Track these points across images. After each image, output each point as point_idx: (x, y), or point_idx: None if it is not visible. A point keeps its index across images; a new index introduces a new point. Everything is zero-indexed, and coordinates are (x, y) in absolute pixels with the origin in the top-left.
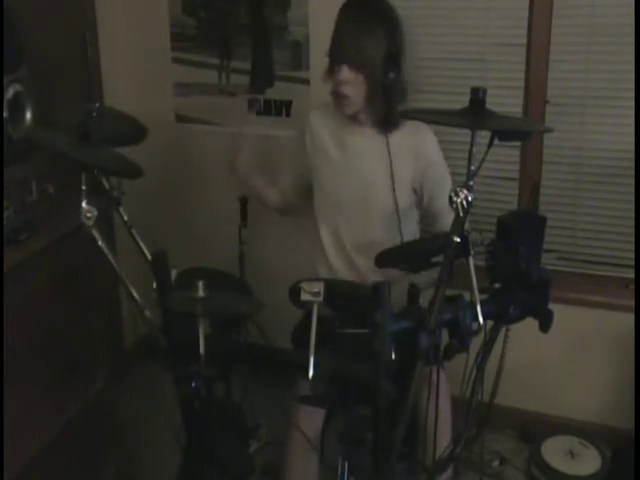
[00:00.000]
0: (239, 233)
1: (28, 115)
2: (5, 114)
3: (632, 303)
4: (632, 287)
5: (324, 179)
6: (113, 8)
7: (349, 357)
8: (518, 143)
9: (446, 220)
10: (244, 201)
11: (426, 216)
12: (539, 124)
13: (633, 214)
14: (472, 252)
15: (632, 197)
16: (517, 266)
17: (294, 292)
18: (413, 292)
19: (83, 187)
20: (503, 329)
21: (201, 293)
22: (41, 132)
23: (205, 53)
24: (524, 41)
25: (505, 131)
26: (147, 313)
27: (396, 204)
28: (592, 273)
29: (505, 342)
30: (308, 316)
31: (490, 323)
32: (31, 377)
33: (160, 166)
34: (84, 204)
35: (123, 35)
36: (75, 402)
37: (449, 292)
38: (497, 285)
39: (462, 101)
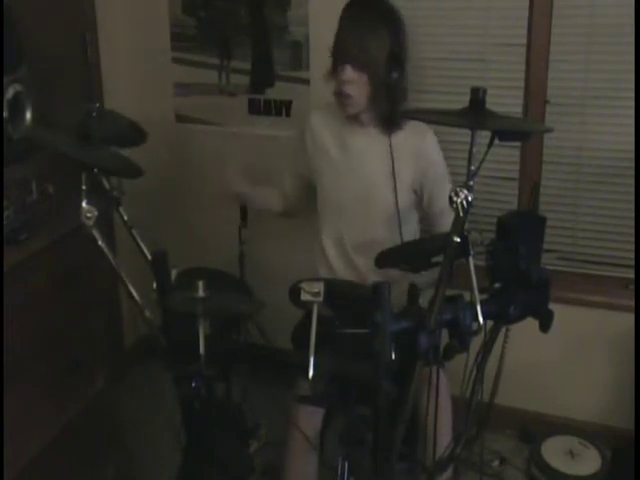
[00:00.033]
0: (239, 233)
1: (28, 115)
2: (5, 114)
3: (632, 303)
4: (632, 287)
5: (325, 180)
6: (113, 8)
7: (349, 357)
8: (518, 143)
9: (446, 222)
10: None
11: (426, 218)
12: (539, 124)
13: (633, 214)
14: (472, 252)
15: (632, 197)
16: (517, 266)
17: (294, 292)
18: (413, 292)
19: (83, 187)
20: (503, 329)
21: (201, 293)
22: (41, 132)
23: (205, 53)
24: (524, 41)
25: (505, 131)
26: (147, 313)
27: (397, 204)
28: (592, 273)
29: (505, 342)
30: (308, 316)
31: (490, 323)
32: (31, 377)
33: (160, 166)
34: (84, 204)
35: (123, 35)
36: (75, 402)
37: (449, 292)
38: (497, 285)
39: (462, 101)
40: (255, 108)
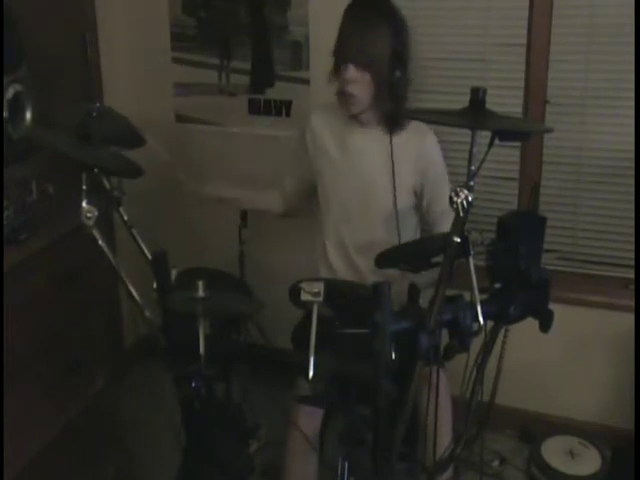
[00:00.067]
0: (239, 233)
1: (28, 115)
2: (5, 114)
3: (632, 303)
4: (632, 287)
5: (326, 180)
6: (113, 8)
7: (349, 357)
8: (518, 143)
9: (445, 223)
10: None
11: (425, 222)
12: (539, 124)
13: (633, 214)
14: (472, 252)
15: (632, 197)
16: (517, 266)
17: (294, 292)
18: (413, 292)
19: (83, 187)
20: (503, 329)
21: (201, 293)
22: (41, 132)
23: (205, 53)
24: (524, 41)
25: (505, 131)
26: (147, 313)
27: (395, 205)
28: (592, 273)
29: (504, 342)
30: (308, 316)
31: (490, 323)
32: (31, 377)
33: (160, 166)
34: (84, 204)
35: (123, 35)
36: (75, 402)
37: (449, 292)
38: (497, 285)
39: (462, 101)
40: (255, 108)
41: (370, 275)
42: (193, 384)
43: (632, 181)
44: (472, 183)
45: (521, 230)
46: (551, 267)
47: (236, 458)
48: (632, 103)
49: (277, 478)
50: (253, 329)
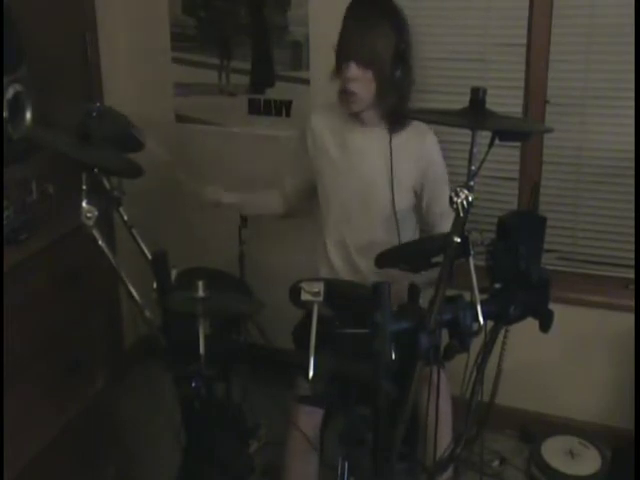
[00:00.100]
0: (239, 233)
1: (28, 115)
2: (5, 114)
3: (632, 303)
4: (632, 287)
5: (326, 179)
6: (113, 8)
7: (349, 357)
8: (518, 143)
9: (445, 224)
10: None
11: (425, 223)
12: (539, 124)
13: (633, 214)
14: (472, 252)
15: (632, 197)
16: (517, 266)
17: (294, 292)
18: (413, 292)
19: (83, 187)
20: (503, 329)
21: (201, 293)
22: (41, 132)
23: (205, 53)
24: (524, 41)
25: (505, 131)
26: (147, 313)
27: (394, 204)
28: (592, 273)
29: (504, 342)
30: (308, 316)
31: (490, 323)
32: (31, 377)
33: (160, 166)
34: (84, 204)
35: (123, 35)
36: (75, 402)
37: (449, 292)
38: (497, 285)
39: (462, 101)
40: (255, 108)
41: (370, 275)
42: (193, 384)
43: (632, 181)
44: (472, 183)
45: (521, 230)
46: (551, 267)
47: (236, 458)
48: (632, 103)
49: (277, 478)
50: (253, 329)
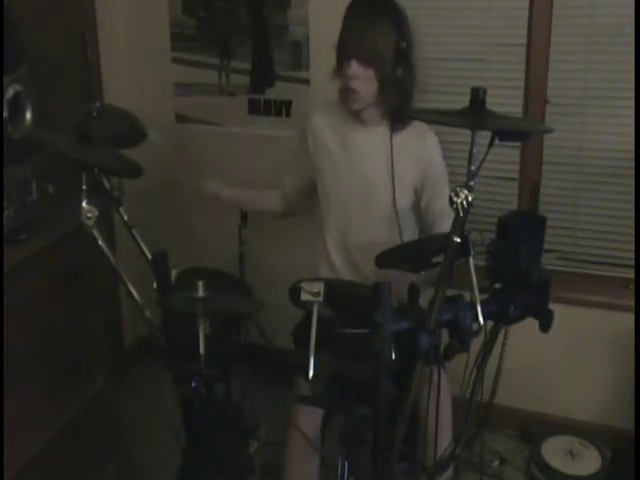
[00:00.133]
0: (239, 233)
1: (28, 115)
2: (5, 114)
3: (632, 303)
4: (632, 287)
5: (326, 178)
6: (113, 8)
7: (349, 357)
8: (518, 143)
9: (445, 223)
10: None
11: (424, 222)
12: (539, 124)
13: (633, 214)
14: (472, 252)
15: (632, 197)
16: (517, 266)
17: (294, 292)
18: (413, 292)
19: (83, 187)
20: (503, 329)
21: (201, 293)
22: (41, 132)
23: (205, 53)
24: (524, 41)
25: (505, 131)
26: (147, 313)
27: (395, 203)
28: (592, 273)
29: (504, 342)
30: (308, 316)
31: (490, 323)
32: (31, 377)
33: (160, 166)
34: (84, 204)
35: (123, 35)
36: (75, 402)
37: (449, 292)
38: (497, 285)
39: (462, 101)
40: (255, 108)
41: (371, 274)
42: (193, 384)
43: (632, 181)
44: (472, 183)
45: (521, 230)
46: (551, 267)
47: (236, 458)
48: (632, 103)
49: (277, 478)
50: (253, 329)
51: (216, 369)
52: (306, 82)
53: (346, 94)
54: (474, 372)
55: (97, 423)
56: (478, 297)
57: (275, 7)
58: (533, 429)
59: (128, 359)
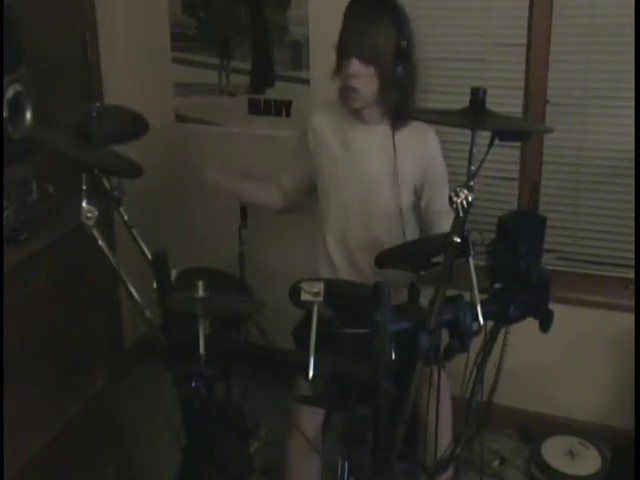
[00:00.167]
0: (239, 233)
1: (28, 115)
2: (5, 114)
3: (632, 303)
4: (632, 287)
5: (326, 177)
6: (113, 8)
7: (349, 357)
8: (518, 143)
9: (444, 223)
10: None
11: (424, 222)
12: (539, 124)
13: (633, 214)
14: (472, 252)
15: (632, 197)
16: (517, 266)
17: (294, 292)
18: (413, 292)
19: (83, 187)
20: (503, 329)
21: (201, 293)
22: (41, 132)
23: (205, 53)
24: (524, 41)
25: (505, 131)
26: (147, 313)
27: (398, 201)
28: (592, 273)
29: (504, 342)
30: (308, 316)
31: (490, 323)
32: (31, 377)
33: (160, 166)
34: (84, 204)
35: (123, 35)
36: (75, 402)
37: (449, 292)
38: (497, 285)
39: (462, 101)
40: (255, 108)
41: (371, 273)
42: (193, 384)
43: (632, 181)
44: (472, 183)
45: (521, 230)
46: (551, 267)
47: (236, 458)
48: (632, 103)
49: (277, 478)
50: (253, 329)
51: (216, 369)
52: (306, 82)
53: (347, 93)
54: (474, 372)
55: (97, 423)
56: (478, 297)
57: (275, 7)
58: (533, 429)
59: (128, 359)
